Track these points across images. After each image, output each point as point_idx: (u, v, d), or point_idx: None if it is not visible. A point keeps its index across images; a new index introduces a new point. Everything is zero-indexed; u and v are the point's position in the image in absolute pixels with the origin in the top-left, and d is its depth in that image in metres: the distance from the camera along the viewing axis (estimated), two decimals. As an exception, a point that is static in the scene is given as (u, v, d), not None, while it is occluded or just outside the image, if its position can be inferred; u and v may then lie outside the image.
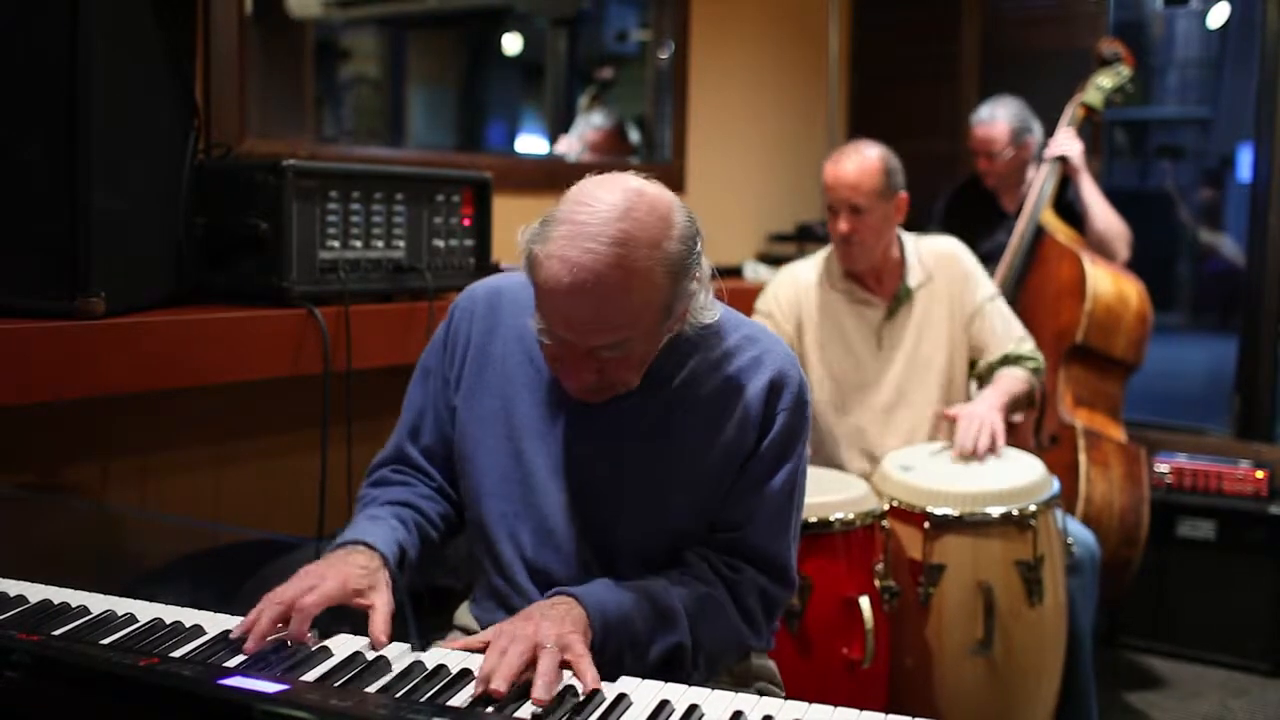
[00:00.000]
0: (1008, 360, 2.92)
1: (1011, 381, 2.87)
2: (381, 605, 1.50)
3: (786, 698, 1.35)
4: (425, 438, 1.80)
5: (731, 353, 1.69)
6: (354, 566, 1.54)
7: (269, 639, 1.42)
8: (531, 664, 1.36)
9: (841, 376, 2.90)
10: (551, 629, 1.42)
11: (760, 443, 1.67)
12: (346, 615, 1.51)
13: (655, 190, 1.52)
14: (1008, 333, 2.94)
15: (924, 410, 2.88)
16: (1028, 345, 2.95)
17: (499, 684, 1.31)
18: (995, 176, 3.86)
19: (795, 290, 2.95)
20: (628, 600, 1.54)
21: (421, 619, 1.75)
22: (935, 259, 2.94)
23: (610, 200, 1.47)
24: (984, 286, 2.97)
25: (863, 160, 2.79)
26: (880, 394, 2.90)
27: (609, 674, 1.40)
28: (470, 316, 1.77)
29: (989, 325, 2.93)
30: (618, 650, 1.52)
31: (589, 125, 4.23)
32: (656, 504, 1.66)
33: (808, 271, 2.98)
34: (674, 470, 1.66)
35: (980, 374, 2.95)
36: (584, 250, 1.44)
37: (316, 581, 1.49)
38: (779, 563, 1.71)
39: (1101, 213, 3.70)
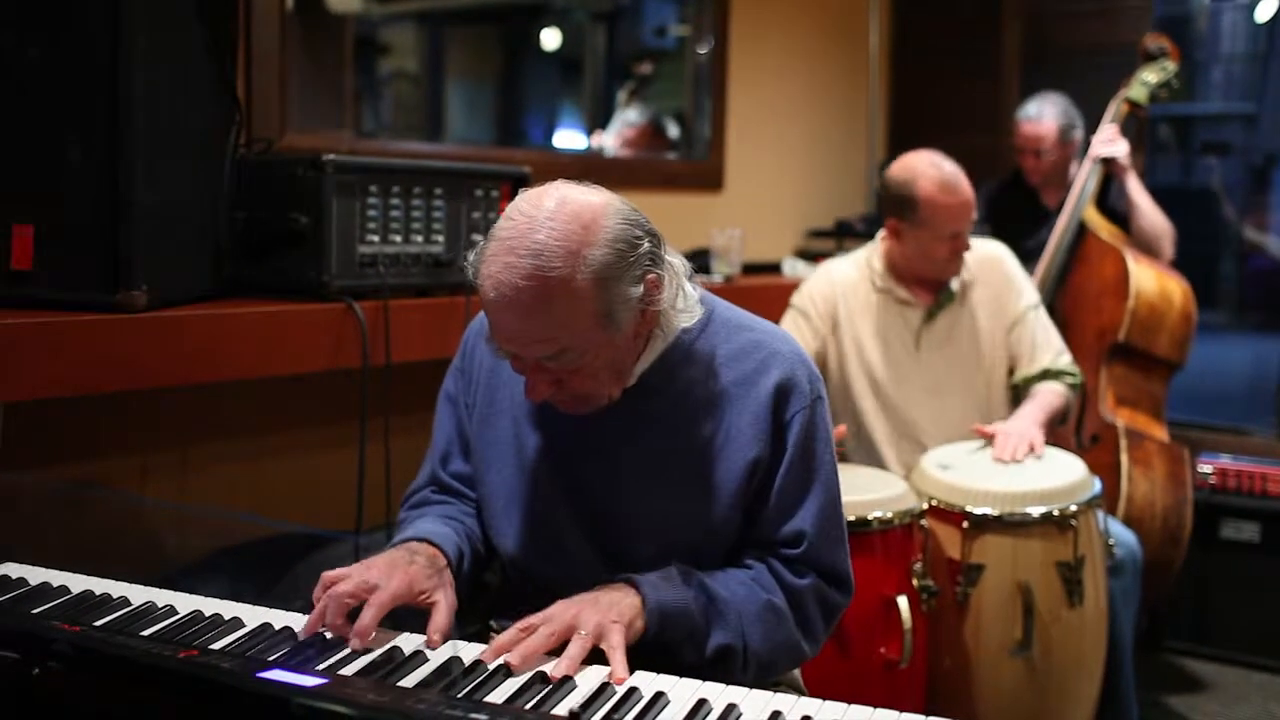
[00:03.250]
0: (1047, 375, 2.91)
1: (1050, 397, 2.87)
2: (444, 604, 1.51)
3: (824, 698, 1.33)
4: (455, 463, 1.81)
5: (735, 356, 1.65)
6: (419, 565, 1.54)
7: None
8: (561, 648, 1.39)
9: (878, 376, 2.89)
10: (594, 615, 1.43)
11: (781, 452, 1.62)
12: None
13: (582, 197, 1.49)
14: (1047, 344, 2.94)
15: (960, 411, 2.87)
16: (1065, 359, 2.95)
17: (514, 658, 1.35)
18: (1040, 174, 3.83)
19: (833, 289, 2.94)
20: (688, 594, 1.54)
21: (459, 614, 1.75)
22: (978, 262, 2.93)
23: (530, 213, 1.46)
24: (1026, 294, 2.97)
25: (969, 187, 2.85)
26: (916, 394, 2.89)
27: (663, 663, 1.41)
28: (483, 341, 1.76)
29: (1028, 335, 2.93)
30: (676, 641, 1.52)
31: (625, 122, 4.23)
32: (664, 516, 1.63)
33: (846, 270, 2.97)
34: (679, 481, 1.62)
35: (1017, 385, 2.94)
36: (504, 265, 1.44)
37: (380, 579, 1.48)
38: (841, 571, 1.68)
39: (1148, 211, 3.65)
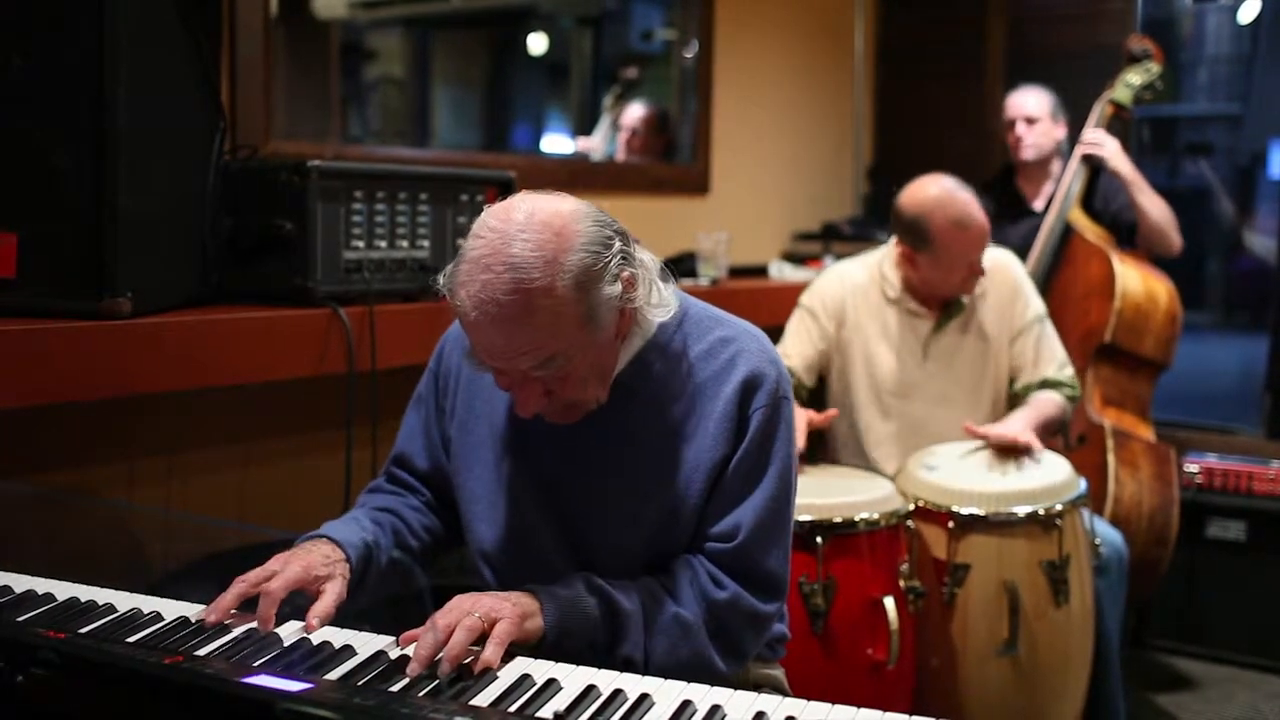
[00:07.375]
0: (1046, 384, 2.91)
1: (1046, 405, 2.86)
2: (331, 592, 1.55)
3: (811, 699, 1.34)
4: (415, 461, 1.83)
5: (706, 356, 1.66)
6: (318, 555, 1.60)
7: (235, 621, 1.49)
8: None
9: (884, 381, 2.89)
10: (489, 601, 1.45)
11: (738, 448, 1.63)
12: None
13: (550, 205, 1.50)
14: (1051, 356, 2.94)
15: (964, 418, 2.85)
16: (1068, 372, 2.94)
17: (414, 667, 1.35)
18: (1034, 148, 3.79)
19: (843, 291, 2.93)
20: (590, 603, 1.54)
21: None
22: (988, 272, 2.90)
23: (500, 228, 1.47)
24: (1033, 305, 2.97)
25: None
26: (921, 402, 2.89)
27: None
28: (460, 347, 1.76)
29: (1032, 345, 2.93)
30: (576, 651, 1.51)
31: (629, 112, 4.21)
32: (633, 519, 1.64)
33: (858, 274, 2.96)
34: (650, 484, 1.63)
35: (1016, 393, 2.94)
36: (483, 283, 1.45)
37: (281, 567, 1.54)
38: (773, 577, 1.65)
39: (1152, 208, 3.61)
